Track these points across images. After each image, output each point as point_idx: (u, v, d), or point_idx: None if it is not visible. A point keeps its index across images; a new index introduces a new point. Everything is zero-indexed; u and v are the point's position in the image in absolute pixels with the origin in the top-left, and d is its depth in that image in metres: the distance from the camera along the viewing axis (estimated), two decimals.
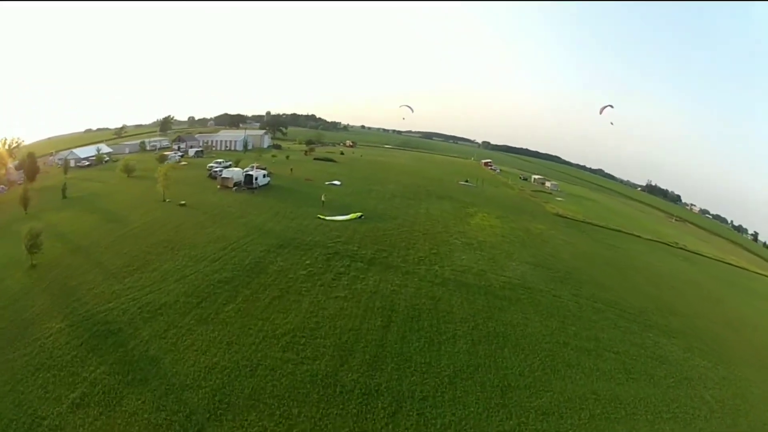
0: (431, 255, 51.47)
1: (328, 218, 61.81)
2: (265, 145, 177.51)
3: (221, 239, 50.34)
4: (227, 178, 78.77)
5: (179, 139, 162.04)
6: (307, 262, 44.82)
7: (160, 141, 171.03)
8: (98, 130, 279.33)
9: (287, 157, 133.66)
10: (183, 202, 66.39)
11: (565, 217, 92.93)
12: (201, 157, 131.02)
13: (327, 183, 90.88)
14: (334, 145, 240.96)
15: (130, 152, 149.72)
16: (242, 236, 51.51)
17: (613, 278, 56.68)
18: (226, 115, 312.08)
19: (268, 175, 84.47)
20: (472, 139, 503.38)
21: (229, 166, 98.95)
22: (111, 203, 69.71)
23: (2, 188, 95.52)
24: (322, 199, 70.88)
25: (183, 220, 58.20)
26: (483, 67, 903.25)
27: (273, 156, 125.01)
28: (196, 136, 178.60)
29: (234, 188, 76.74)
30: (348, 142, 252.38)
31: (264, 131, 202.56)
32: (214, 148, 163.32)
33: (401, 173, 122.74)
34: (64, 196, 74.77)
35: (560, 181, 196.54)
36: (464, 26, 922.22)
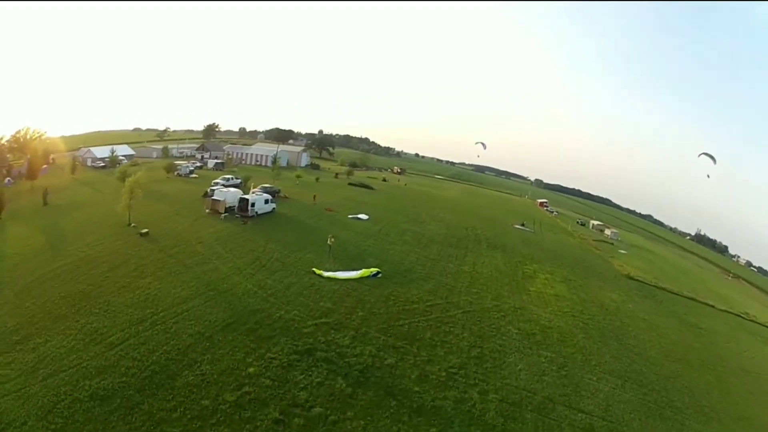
0: (471, 361, 31.21)
1: (326, 274, 42.54)
2: (303, 164, 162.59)
3: (148, 302, 32.55)
4: (217, 200, 61.58)
5: (203, 148, 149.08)
6: (250, 369, 25.57)
7: (190, 148, 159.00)
8: (147, 130, 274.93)
9: (317, 179, 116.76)
10: (146, 230, 49.86)
11: (637, 280, 72.55)
12: (221, 170, 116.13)
13: (351, 216, 72.58)
14: (380, 170, 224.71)
15: (156, 157, 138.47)
16: (182, 300, 33.50)
17: (713, 394, 36.30)
18: (276, 129, 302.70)
19: (273, 201, 67.08)
20: (524, 175, 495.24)
21: (240, 184, 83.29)
22: (74, 221, 56.42)
23: (9, 181, 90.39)
24: (329, 242, 51.07)
25: (125, 259, 41.28)
26: (537, 102, 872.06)
27: (298, 177, 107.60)
28: (226, 147, 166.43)
29: (223, 215, 59.75)
30: (396, 169, 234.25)
31: (302, 149, 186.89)
32: (243, 162, 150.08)
33: (447, 209, 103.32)
34: (45, 203, 67.49)
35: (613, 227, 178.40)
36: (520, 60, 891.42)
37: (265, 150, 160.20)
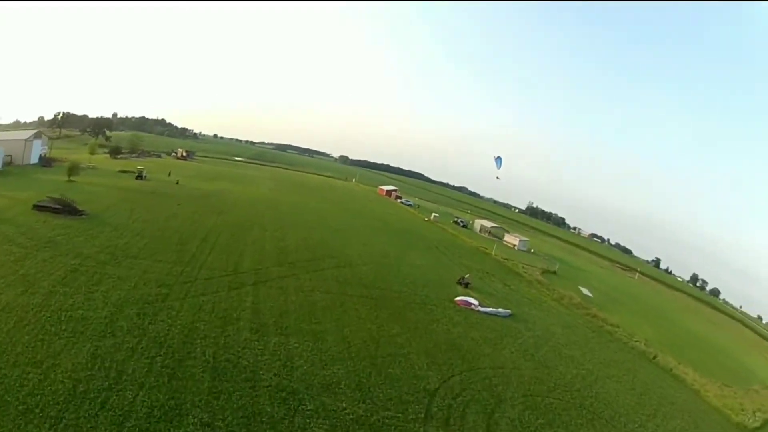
0: None
1: None
2: (33, 160, 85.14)
3: None
4: None
5: None
6: None
7: None
8: None
9: None
10: None
11: None
12: None
13: None
14: (157, 155, 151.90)
15: None
16: None
17: None
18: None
19: None
20: (328, 152, 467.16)
21: None
22: None
23: None
24: None
25: None
26: (339, 80, 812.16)
27: None
28: None
29: None
30: (179, 152, 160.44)
31: (31, 134, 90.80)
32: None
33: (263, 254, 44.14)
34: None
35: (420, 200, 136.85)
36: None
37: None
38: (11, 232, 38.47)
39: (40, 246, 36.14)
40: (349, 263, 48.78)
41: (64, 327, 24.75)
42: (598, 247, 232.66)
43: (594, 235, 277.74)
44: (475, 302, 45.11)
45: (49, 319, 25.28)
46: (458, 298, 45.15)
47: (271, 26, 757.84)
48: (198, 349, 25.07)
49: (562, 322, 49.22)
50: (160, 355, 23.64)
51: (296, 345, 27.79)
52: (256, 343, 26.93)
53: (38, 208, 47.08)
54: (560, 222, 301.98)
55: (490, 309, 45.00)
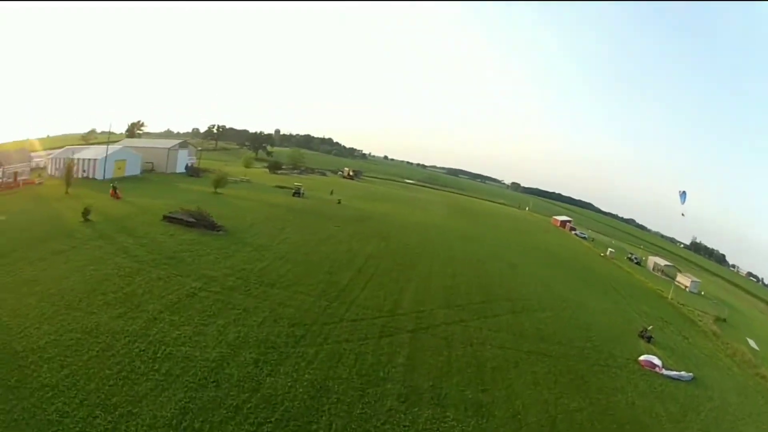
0: None
1: None
2: (178, 168, 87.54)
3: None
4: None
5: None
6: None
7: None
8: (103, 132, 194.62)
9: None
10: None
11: None
12: None
13: None
14: (322, 173, 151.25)
15: None
16: None
17: None
18: (220, 127, 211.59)
19: None
20: (499, 179, 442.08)
21: None
22: None
23: None
24: None
25: None
26: (513, 107, 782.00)
27: None
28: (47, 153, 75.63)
29: None
30: (347, 171, 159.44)
31: (175, 144, 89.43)
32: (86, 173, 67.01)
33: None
34: None
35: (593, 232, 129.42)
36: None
37: (99, 152, 71.08)
38: (128, 243, 35.69)
39: (158, 262, 32.33)
40: (526, 308, 39.93)
41: (157, 366, 19.21)
42: (754, 287, 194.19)
43: (750, 274, 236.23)
44: (659, 363, 36.71)
45: (141, 353, 19.95)
46: (642, 358, 36.88)
47: (450, 54, 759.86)
48: (323, 419, 18.76)
49: (736, 387, 38.65)
50: (271, 422, 17.78)
51: (453, 422, 21.04)
52: (402, 416, 20.46)
53: (168, 219, 44.34)
54: (720, 259, 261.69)
55: (674, 372, 36.53)
